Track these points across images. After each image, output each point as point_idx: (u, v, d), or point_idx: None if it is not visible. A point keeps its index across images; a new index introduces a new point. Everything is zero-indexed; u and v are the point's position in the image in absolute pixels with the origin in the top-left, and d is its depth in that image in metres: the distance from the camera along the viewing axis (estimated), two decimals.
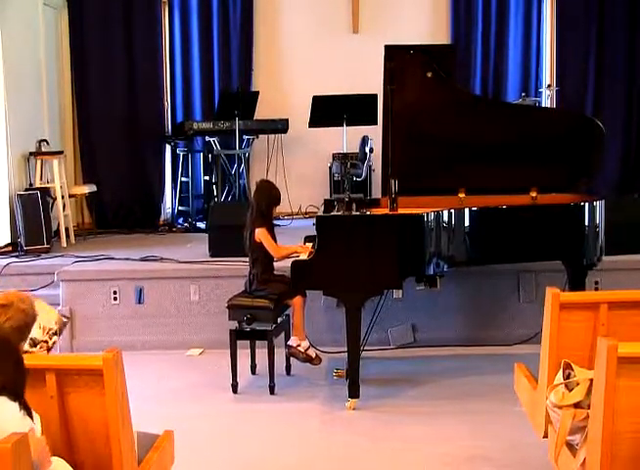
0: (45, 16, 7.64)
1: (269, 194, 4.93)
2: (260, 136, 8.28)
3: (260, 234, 4.79)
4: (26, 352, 2.69)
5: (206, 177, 8.28)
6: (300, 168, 8.41)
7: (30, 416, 2.22)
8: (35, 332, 2.86)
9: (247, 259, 4.98)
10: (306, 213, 8.27)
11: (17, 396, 2.18)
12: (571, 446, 2.79)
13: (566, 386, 2.82)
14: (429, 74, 4.85)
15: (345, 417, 4.40)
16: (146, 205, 8.27)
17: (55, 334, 3.03)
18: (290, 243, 5.16)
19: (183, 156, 8.15)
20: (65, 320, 3.18)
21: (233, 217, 5.72)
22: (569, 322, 3.08)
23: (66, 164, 7.60)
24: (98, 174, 8.15)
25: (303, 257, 4.65)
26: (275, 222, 5.98)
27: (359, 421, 4.34)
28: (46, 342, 2.97)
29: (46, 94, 7.57)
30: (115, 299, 5.84)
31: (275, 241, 4.91)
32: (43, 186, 7.07)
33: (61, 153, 7.42)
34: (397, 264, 4.42)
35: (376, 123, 7.19)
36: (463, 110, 5.00)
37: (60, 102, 8.07)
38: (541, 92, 8.27)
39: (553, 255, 4.87)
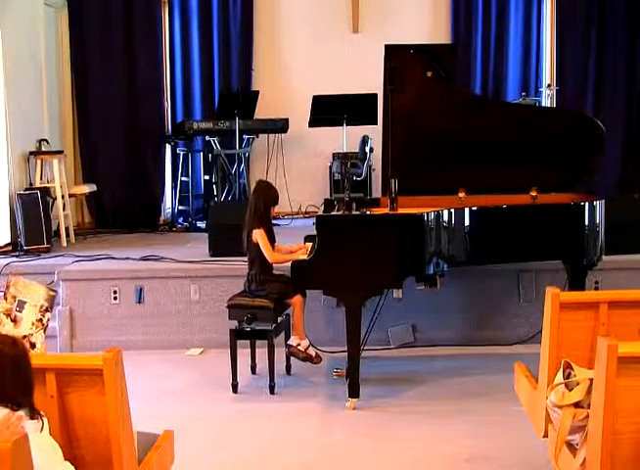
0: (45, 16, 7.64)
1: (267, 194, 4.92)
2: (260, 136, 8.28)
3: (257, 235, 4.78)
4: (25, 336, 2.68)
5: (206, 177, 8.28)
6: (300, 168, 8.41)
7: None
8: (29, 311, 2.85)
9: (247, 259, 4.98)
10: (306, 213, 8.28)
11: (14, 402, 2.17)
12: (571, 446, 2.79)
13: (566, 385, 2.82)
14: (429, 74, 4.85)
15: (345, 417, 4.40)
16: (146, 204, 8.27)
17: (46, 310, 3.02)
18: (289, 243, 5.17)
19: (183, 155, 8.15)
20: (52, 293, 3.15)
21: (233, 217, 5.72)
22: (569, 322, 3.08)
23: (66, 163, 7.59)
24: (98, 174, 8.16)
25: (303, 257, 4.65)
26: (275, 222, 5.99)
27: (359, 421, 4.34)
28: (40, 320, 2.96)
29: (46, 94, 7.56)
30: (115, 298, 5.84)
31: (274, 241, 4.91)
32: (43, 186, 7.07)
33: (61, 152, 7.42)
34: (397, 264, 4.42)
35: (376, 123, 7.19)
36: (463, 109, 5.00)
37: (60, 102, 8.08)
38: (541, 92, 8.28)
39: (553, 254, 4.87)
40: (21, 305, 3.04)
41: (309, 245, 4.90)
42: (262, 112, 8.16)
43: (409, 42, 5.15)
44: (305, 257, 4.64)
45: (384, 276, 4.44)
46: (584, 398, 2.73)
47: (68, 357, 3.03)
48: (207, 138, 8.10)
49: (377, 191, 6.99)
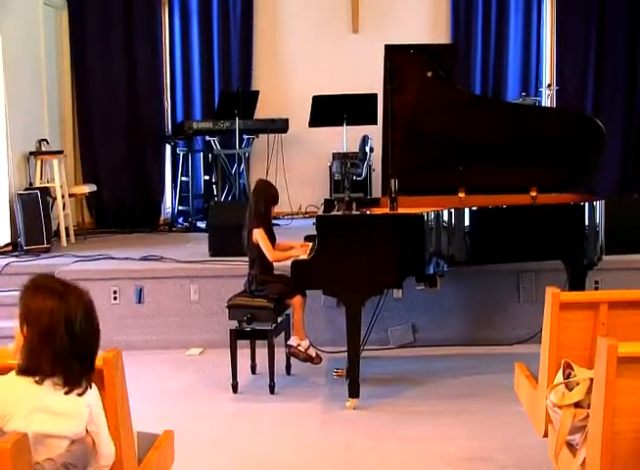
0: (45, 16, 7.64)
1: (267, 194, 4.92)
2: (260, 136, 8.28)
3: (257, 235, 4.78)
4: None
5: (206, 177, 8.28)
6: (300, 168, 8.41)
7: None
8: None
9: (247, 259, 4.98)
10: (306, 213, 8.28)
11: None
12: (571, 446, 2.79)
13: (566, 385, 2.82)
14: (429, 74, 4.84)
15: (345, 417, 4.40)
16: (146, 204, 8.27)
17: None
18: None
19: (183, 155, 8.16)
20: None
21: (233, 217, 5.72)
22: (569, 322, 3.08)
23: (66, 163, 7.60)
24: (98, 174, 8.17)
25: (303, 257, 4.65)
26: (275, 222, 5.99)
27: (359, 421, 4.34)
28: None
29: (46, 94, 7.56)
30: (115, 298, 5.84)
31: (274, 241, 4.91)
32: (43, 186, 7.07)
33: (61, 152, 7.42)
34: (397, 264, 4.42)
35: (376, 123, 7.19)
36: (463, 109, 5.00)
37: (60, 102, 8.08)
38: (541, 91, 8.28)
39: (553, 254, 4.87)
40: None
41: (310, 244, 4.90)
42: (262, 112, 8.16)
43: (409, 42, 5.14)
44: (305, 256, 4.64)
45: (384, 276, 4.44)
46: (584, 398, 2.73)
47: None
48: (207, 138, 8.11)
49: (377, 191, 6.98)
